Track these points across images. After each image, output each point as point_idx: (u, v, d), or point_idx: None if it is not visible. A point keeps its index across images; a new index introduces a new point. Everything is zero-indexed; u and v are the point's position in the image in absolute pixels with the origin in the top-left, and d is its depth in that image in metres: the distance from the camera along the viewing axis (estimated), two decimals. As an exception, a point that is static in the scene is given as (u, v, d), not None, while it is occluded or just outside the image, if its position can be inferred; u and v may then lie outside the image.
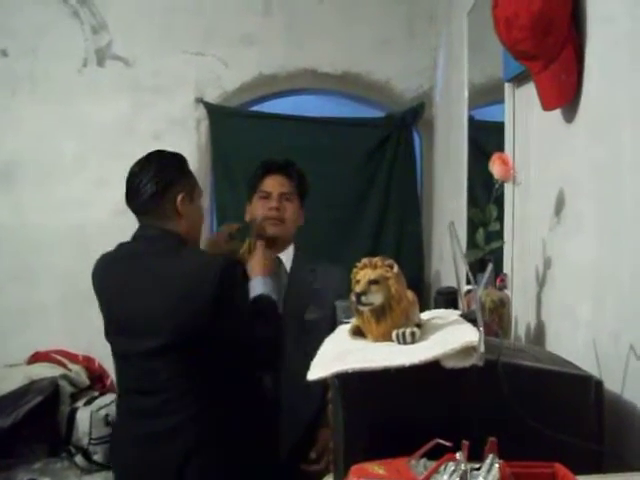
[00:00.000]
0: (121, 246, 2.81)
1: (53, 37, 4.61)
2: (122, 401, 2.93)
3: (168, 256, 2.67)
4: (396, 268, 1.71)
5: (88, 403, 3.96)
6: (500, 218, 2.46)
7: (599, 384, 1.64)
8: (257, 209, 3.16)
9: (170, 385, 2.65)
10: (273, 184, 3.18)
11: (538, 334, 2.30)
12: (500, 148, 2.68)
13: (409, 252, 4.57)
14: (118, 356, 2.81)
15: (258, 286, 2.84)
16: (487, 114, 3.36)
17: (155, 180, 2.69)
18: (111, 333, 2.78)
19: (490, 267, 2.13)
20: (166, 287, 2.62)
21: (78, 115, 4.59)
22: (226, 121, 4.64)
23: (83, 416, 3.87)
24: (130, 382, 2.79)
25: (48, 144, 4.59)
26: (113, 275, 2.79)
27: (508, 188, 2.58)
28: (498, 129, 2.82)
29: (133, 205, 2.76)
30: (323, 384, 2.82)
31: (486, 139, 3.34)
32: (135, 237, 2.77)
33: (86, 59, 4.63)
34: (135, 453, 2.73)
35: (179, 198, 2.70)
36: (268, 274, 2.92)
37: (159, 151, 2.85)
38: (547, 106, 2.11)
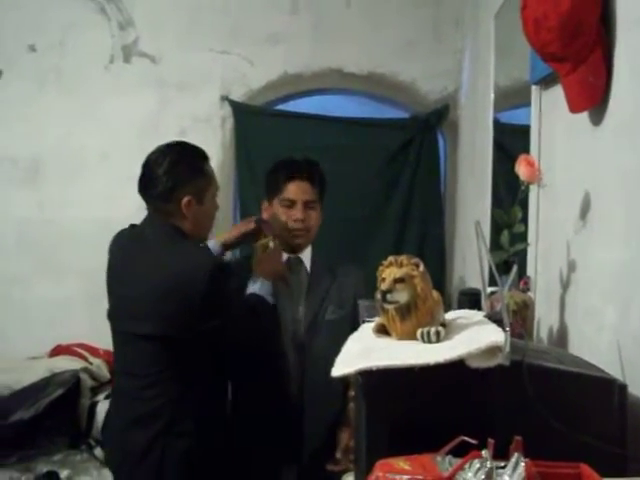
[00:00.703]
0: (132, 228, 2.87)
1: (80, 33, 4.65)
2: (115, 382, 3.09)
3: (166, 248, 2.73)
4: (422, 267, 1.71)
5: (108, 397, 3.97)
6: (524, 220, 2.45)
7: (623, 388, 1.63)
8: (280, 216, 3.07)
9: (154, 370, 2.73)
10: (297, 192, 3.06)
11: (561, 336, 2.29)
12: (525, 151, 2.66)
13: (431, 254, 4.56)
14: (114, 336, 2.88)
15: (255, 286, 2.89)
16: (512, 117, 3.36)
17: (165, 178, 2.73)
18: (110, 312, 2.85)
19: (515, 268, 2.13)
20: (158, 279, 2.67)
21: (104, 111, 4.63)
22: (251, 119, 4.65)
23: (103, 410, 3.87)
24: (120, 363, 2.89)
25: (74, 140, 4.64)
26: (119, 255, 2.85)
27: (533, 190, 2.57)
28: (523, 132, 2.81)
29: (143, 195, 2.81)
30: (343, 383, 2.86)
31: (511, 142, 3.33)
32: (143, 223, 2.83)
33: (113, 55, 4.67)
34: (119, 435, 2.84)
35: (185, 201, 2.73)
36: (269, 279, 2.93)
37: (179, 143, 2.87)
38: (574, 109, 2.10)
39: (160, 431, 2.69)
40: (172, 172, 2.73)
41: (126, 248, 2.85)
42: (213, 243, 3.06)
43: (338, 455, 2.98)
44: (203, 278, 2.60)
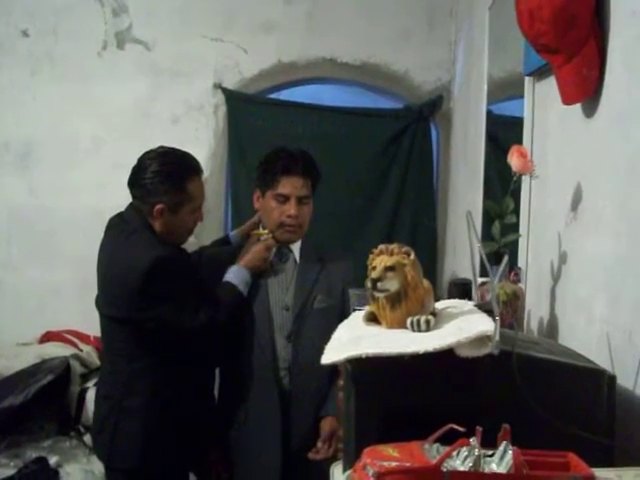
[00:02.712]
0: (118, 215, 2.95)
1: (74, 19, 4.63)
2: None
3: (123, 239, 2.83)
4: (413, 255, 1.71)
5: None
6: (516, 212, 2.45)
7: (612, 379, 1.64)
8: (272, 211, 3.04)
9: (111, 347, 2.94)
10: (291, 188, 3.01)
11: (551, 328, 2.30)
12: (517, 143, 2.66)
13: (423, 244, 4.56)
14: None
15: (231, 274, 2.96)
16: (505, 109, 3.36)
17: (144, 182, 2.82)
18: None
19: (506, 258, 2.12)
20: (109, 265, 2.84)
21: (96, 97, 4.61)
22: (244, 107, 4.64)
23: (93, 397, 3.86)
24: (102, 342, 3.05)
25: (66, 126, 4.62)
26: (102, 240, 2.95)
27: (525, 182, 2.58)
28: (515, 124, 2.81)
29: (128, 188, 2.90)
30: (331, 372, 2.87)
31: (503, 134, 3.34)
32: (123, 213, 2.93)
33: (106, 42, 4.65)
34: (95, 415, 3.06)
35: (157, 207, 2.80)
36: (248, 269, 2.98)
37: (172, 153, 2.91)
38: (567, 100, 2.10)
39: (113, 407, 2.85)
40: (152, 180, 2.81)
41: (105, 234, 2.94)
42: (235, 233, 3.32)
43: (319, 444, 2.99)
44: (139, 272, 2.69)
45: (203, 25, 4.65)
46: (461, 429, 1.31)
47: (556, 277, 2.30)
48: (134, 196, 2.88)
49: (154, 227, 2.84)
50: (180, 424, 2.88)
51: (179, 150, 2.92)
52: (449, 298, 2.13)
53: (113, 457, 2.89)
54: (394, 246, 1.72)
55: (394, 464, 1.27)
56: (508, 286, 2.27)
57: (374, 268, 1.69)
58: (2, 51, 4.62)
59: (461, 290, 2.19)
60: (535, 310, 2.48)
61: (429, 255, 4.59)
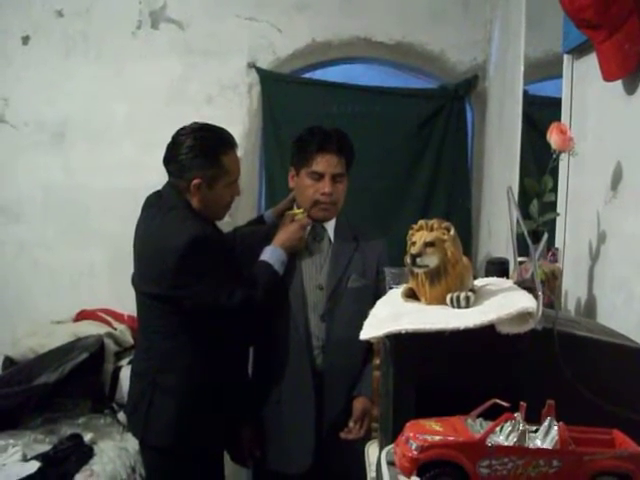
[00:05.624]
0: (155, 193, 2.99)
1: (108, -1, 4.63)
2: None
3: (160, 217, 2.86)
4: (453, 231, 1.70)
5: (132, 362, 4.00)
6: (554, 190, 2.43)
7: (654, 358, 1.63)
8: (307, 189, 3.08)
9: (146, 324, 2.97)
10: (326, 165, 3.04)
11: (589, 307, 2.28)
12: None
13: (458, 224, 4.46)
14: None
15: (267, 253, 2.98)
16: (540, 89, 3.32)
17: (180, 158, 2.85)
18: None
19: (545, 237, 2.11)
20: (146, 243, 2.87)
21: (131, 77, 4.62)
22: (278, 87, 4.62)
23: (126, 375, 3.89)
24: (138, 320, 3.08)
25: (100, 105, 4.63)
26: (139, 219, 2.99)
27: (563, 160, 2.54)
28: (551, 104, 2.78)
29: (164, 166, 2.93)
30: (364, 352, 2.86)
31: (538, 114, 3.30)
32: (160, 191, 2.96)
33: (140, 21, 4.64)
34: (129, 393, 3.11)
35: (194, 182, 2.84)
36: (284, 249, 2.99)
37: (207, 128, 2.93)
38: (608, 77, 2.07)
39: (147, 384, 2.88)
40: (187, 155, 2.84)
41: (142, 213, 2.98)
42: (269, 212, 3.36)
43: (351, 423, 3.00)
44: (176, 249, 2.72)
45: (237, 4, 4.62)
46: (505, 404, 1.31)
47: (594, 257, 2.28)
48: (170, 173, 2.90)
49: (191, 203, 2.85)
50: (214, 402, 2.90)
51: (213, 125, 2.94)
52: (486, 277, 2.12)
53: (147, 435, 2.92)
54: (434, 221, 1.70)
55: (437, 438, 1.26)
56: (546, 266, 2.24)
57: (414, 243, 1.68)
58: (37, 31, 4.64)
59: (498, 269, 2.17)
60: (572, 290, 2.46)
61: (464, 235, 4.49)
